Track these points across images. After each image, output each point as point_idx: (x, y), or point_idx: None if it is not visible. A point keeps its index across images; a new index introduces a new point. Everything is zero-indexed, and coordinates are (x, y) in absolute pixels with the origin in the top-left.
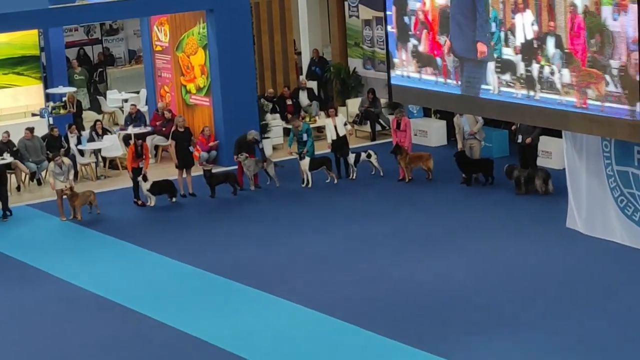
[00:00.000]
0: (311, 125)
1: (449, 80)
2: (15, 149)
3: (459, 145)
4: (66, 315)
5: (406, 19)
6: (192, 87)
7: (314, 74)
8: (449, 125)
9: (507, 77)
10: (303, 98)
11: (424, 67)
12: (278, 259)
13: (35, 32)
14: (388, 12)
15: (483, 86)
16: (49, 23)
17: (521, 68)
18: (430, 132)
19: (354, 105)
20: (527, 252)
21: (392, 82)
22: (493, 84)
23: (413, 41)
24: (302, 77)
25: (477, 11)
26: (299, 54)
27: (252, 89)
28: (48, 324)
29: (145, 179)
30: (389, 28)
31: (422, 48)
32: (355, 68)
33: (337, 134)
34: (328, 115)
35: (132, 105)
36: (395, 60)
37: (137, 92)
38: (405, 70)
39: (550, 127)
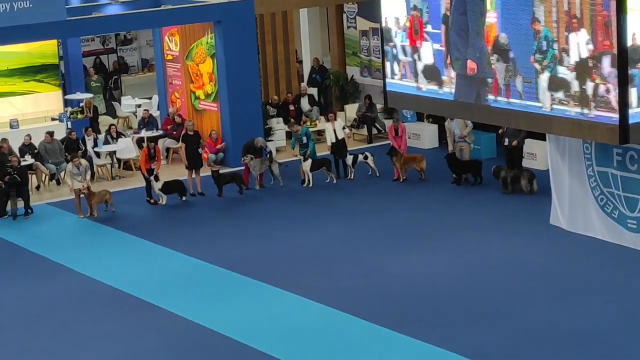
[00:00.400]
0: (312, 129)
1: (499, 98)
2: (36, 151)
3: (450, 148)
4: (83, 306)
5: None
6: (200, 93)
7: (315, 81)
8: (441, 128)
9: (560, 95)
10: (304, 104)
11: None
12: (281, 254)
13: (54, 42)
14: (436, 31)
15: (534, 103)
16: (67, 34)
17: (575, 86)
18: (423, 135)
19: (351, 110)
20: (513, 247)
21: (388, 89)
22: (545, 102)
23: None
24: (304, 84)
25: (468, 30)
26: (301, 62)
27: (257, 95)
28: (66, 315)
29: (157, 179)
30: (437, 46)
31: None
32: (353, 75)
33: (336, 137)
34: (328, 120)
35: (145, 110)
36: (444, 78)
37: (150, 98)
38: (454, 87)
39: (535, 131)
